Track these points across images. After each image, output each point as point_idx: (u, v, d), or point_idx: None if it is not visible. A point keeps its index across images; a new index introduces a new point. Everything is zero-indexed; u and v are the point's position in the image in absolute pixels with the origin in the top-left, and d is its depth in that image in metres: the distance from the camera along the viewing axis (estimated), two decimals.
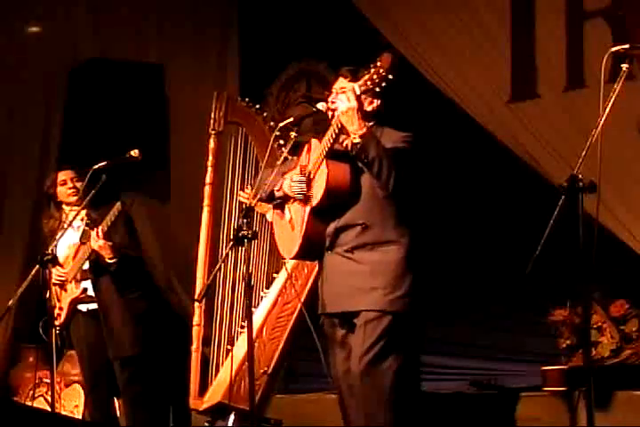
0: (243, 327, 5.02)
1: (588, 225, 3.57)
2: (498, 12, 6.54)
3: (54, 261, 5.44)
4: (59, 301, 5.72)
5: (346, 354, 4.38)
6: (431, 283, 4.41)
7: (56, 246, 5.62)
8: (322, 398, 5.90)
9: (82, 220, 5.72)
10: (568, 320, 5.68)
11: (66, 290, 5.72)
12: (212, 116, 5.37)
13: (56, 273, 5.67)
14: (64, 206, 5.81)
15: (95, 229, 5.56)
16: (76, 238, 5.73)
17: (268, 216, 4.92)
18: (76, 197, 5.72)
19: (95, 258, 5.62)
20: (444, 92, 6.71)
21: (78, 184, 5.71)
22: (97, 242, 5.52)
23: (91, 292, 5.69)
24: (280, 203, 4.60)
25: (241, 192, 5.14)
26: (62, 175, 5.80)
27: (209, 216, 5.36)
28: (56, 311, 5.69)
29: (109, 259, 5.56)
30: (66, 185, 5.76)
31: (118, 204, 5.54)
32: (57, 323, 5.66)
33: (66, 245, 5.75)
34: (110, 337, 5.62)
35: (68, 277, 5.69)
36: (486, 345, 6.62)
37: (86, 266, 5.68)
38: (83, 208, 5.66)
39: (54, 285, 5.68)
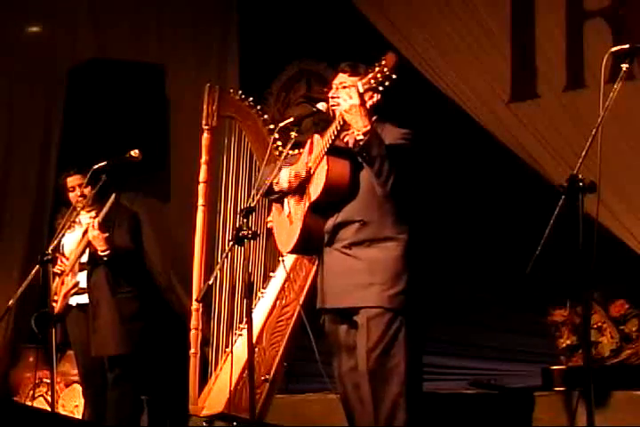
0: (241, 329, 4.97)
1: (588, 225, 3.57)
2: (498, 12, 6.54)
3: (54, 261, 5.47)
4: (56, 294, 5.76)
5: (349, 352, 4.37)
6: (431, 282, 4.40)
7: (63, 243, 5.77)
8: (322, 399, 5.89)
9: (90, 217, 5.78)
10: (568, 320, 5.69)
11: (63, 282, 5.78)
12: (205, 110, 5.17)
13: (58, 262, 5.73)
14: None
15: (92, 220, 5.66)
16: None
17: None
18: (82, 204, 5.77)
19: (93, 250, 5.67)
20: (444, 92, 6.71)
21: (86, 190, 5.74)
22: (92, 232, 5.60)
23: (83, 284, 5.75)
24: (279, 197, 4.59)
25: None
26: (70, 182, 5.87)
27: (204, 216, 5.15)
28: (53, 304, 5.72)
29: (102, 251, 5.61)
30: (74, 191, 5.84)
31: (113, 195, 5.65)
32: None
33: (74, 240, 5.81)
34: (95, 334, 5.65)
35: (67, 268, 5.74)
36: (486, 345, 6.62)
37: (85, 259, 5.74)
38: (90, 209, 5.80)
39: (55, 274, 5.74)
